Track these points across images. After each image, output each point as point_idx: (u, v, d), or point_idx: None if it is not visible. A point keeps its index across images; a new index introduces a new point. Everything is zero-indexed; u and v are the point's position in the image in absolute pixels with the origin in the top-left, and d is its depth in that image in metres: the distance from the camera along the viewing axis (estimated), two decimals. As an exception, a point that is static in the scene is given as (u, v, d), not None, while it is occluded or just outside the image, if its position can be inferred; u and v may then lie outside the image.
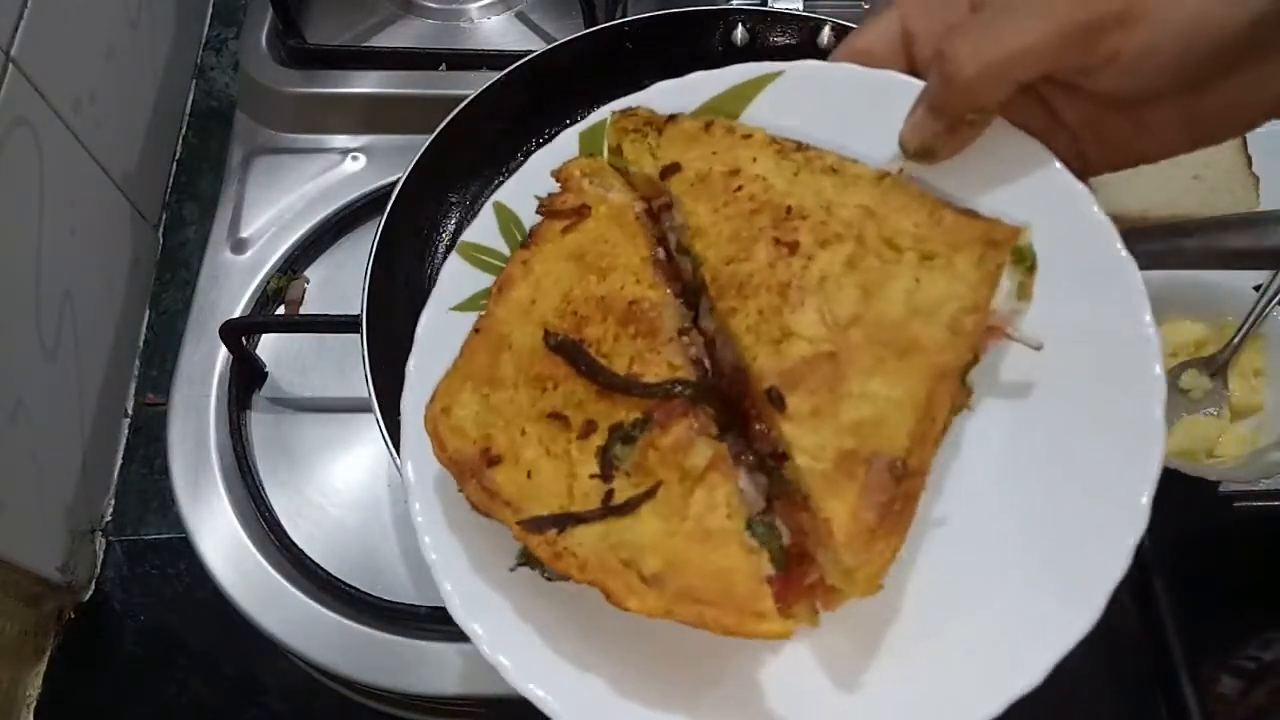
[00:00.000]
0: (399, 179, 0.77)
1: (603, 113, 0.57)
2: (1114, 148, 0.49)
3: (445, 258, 0.82)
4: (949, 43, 0.45)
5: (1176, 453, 0.90)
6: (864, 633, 0.45)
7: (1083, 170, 0.50)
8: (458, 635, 0.76)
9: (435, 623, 0.76)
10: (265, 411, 0.87)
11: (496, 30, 1.05)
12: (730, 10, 0.84)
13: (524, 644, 0.47)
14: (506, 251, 0.56)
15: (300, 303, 0.92)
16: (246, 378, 0.87)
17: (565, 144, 0.57)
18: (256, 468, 0.84)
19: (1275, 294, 0.89)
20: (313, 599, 0.78)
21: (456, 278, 0.57)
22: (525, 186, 0.57)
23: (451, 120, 0.78)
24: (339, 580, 0.78)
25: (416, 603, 0.77)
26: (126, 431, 0.97)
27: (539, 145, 0.85)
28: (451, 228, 0.83)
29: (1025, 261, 0.47)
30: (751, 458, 0.47)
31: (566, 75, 0.82)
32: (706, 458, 0.44)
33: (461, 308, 0.55)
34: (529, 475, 0.47)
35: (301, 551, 0.80)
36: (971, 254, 0.45)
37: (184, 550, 0.83)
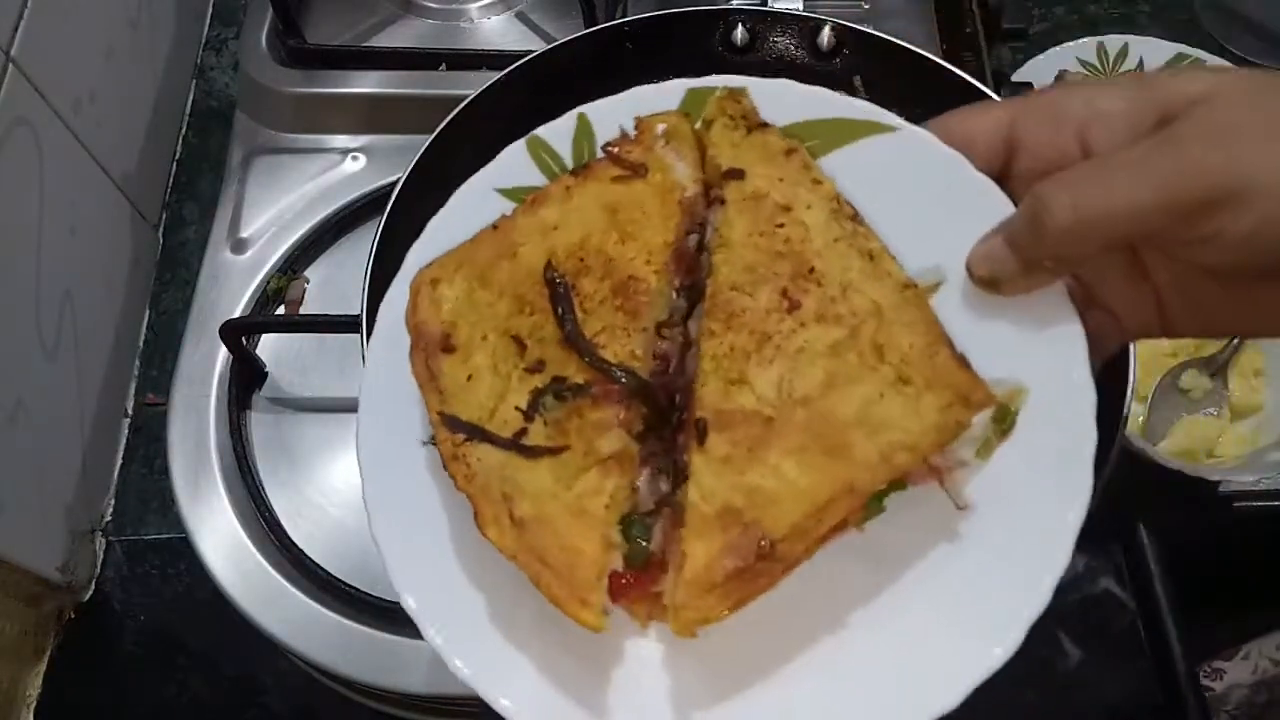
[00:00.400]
0: (399, 179, 0.77)
1: (720, 79, 0.56)
2: (1204, 315, 0.46)
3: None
4: (1047, 188, 0.43)
5: (1176, 453, 0.91)
6: (722, 675, 0.46)
7: (1163, 332, 0.48)
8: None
9: (435, 623, 0.76)
10: (265, 411, 0.87)
11: (496, 30, 1.05)
12: (730, 10, 0.84)
13: (402, 513, 0.50)
14: (570, 161, 0.57)
15: (300, 303, 0.92)
16: (246, 378, 0.87)
17: (672, 90, 0.57)
18: (256, 468, 0.84)
19: (1275, 294, 0.89)
20: (313, 599, 0.78)
21: (512, 163, 0.57)
22: (616, 111, 0.57)
23: (451, 120, 0.78)
24: (339, 580, 0.78)
25: (416, 603, 0.77)
26: (126, 431, 0.97)
27: (539, 145, 0.86)
28: (451, 228, 0.82)
29: (1003, 423, 0.46)
30: (666, 462, 0.48)
31: (566, 75, 0.82)
32: (614, 448, 0.45)
33: (505, 193, 0.56)
34: (469, 378, 0.49)
35: (301, 551, 0.80)
36: (941, 399, 0.45)
37: (184, 550, 0.83)
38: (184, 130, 1.10)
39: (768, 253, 0.49)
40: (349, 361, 0.88)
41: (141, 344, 1.00)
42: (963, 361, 0.46)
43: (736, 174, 0.52)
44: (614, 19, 0.85)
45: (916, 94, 0.82)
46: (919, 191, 0.50)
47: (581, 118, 0.57)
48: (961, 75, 0.78)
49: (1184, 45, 1.10)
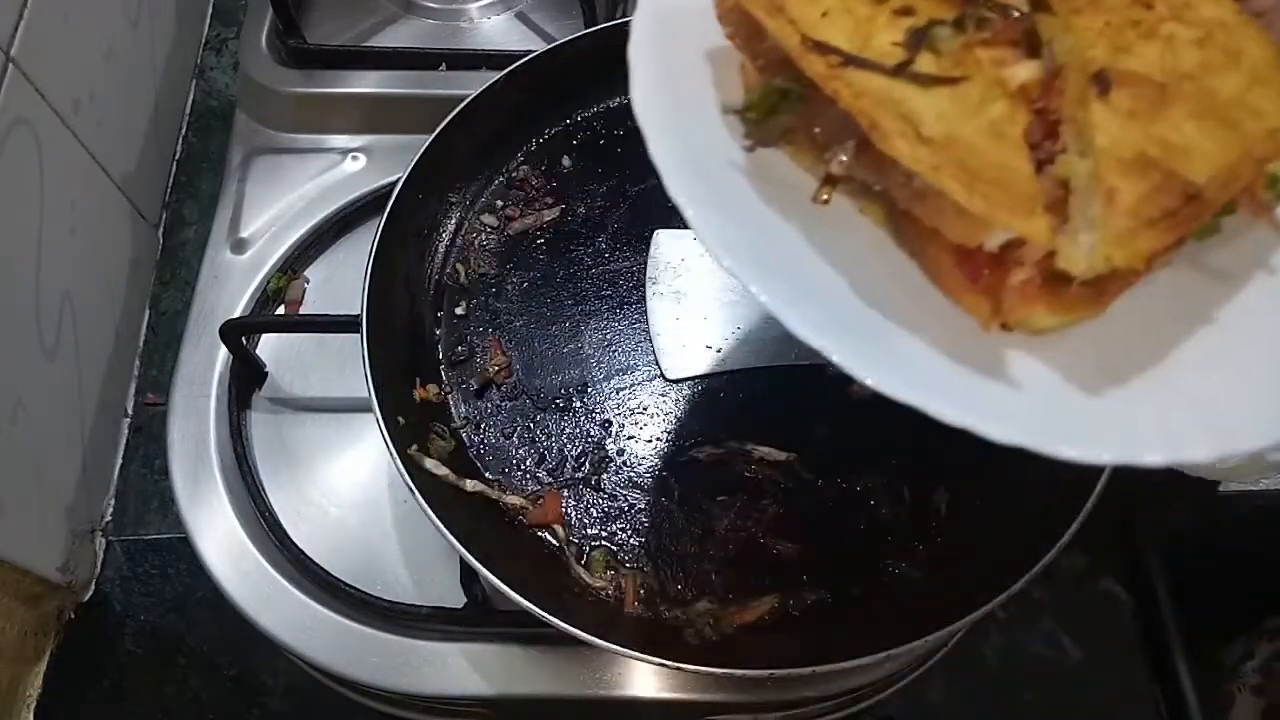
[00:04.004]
0: (399, 179, 0.77)
1: None
2: None
3: (445, 258, 0.82)
4: None
5: (1176, 452, 0.90)
6: (1108, 353, 0.44)
7: None
8: (458, 635, 0.76)
9: (435, 623, 0.76)
10: (265, 411, 0.87)
11: (496, 30, 1.04)
12: (730, 10, 0.84)
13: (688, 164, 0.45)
14: None
15: (300, 303, 0.92)
16: (246, 378, 0.87)
17: None
18: (256, 468, 0.84)
19: (1275, 294, 0.89)
20: (313, 599, 0.78)
21: None
22: None
23: (451, 120, 0.78)
24: (339, 580, 0.78)
25: (417, 602, 0.77)
26: (126, 431, 0.97)
27: (539, 145, 0.86)
28: (451, 228, 0.82)
29: None
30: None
31: (566, 75, 0.82)
32: (1031, 75, 0.43)
33: None
34: (824, 14, 0.45)
35: (301, 551, 0.79)
36: None
37: (184, 550, 0.83)
38: (184, 130, 1.10)
39: None
40: (349, 361, 0.88)
41: (141, 344, 1.00)
42: None
43: None
44: (614, 19, 0.86)
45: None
46: None
47: None
48: (961, 75, 0.77)
49: (1184, 45, 1.10)
